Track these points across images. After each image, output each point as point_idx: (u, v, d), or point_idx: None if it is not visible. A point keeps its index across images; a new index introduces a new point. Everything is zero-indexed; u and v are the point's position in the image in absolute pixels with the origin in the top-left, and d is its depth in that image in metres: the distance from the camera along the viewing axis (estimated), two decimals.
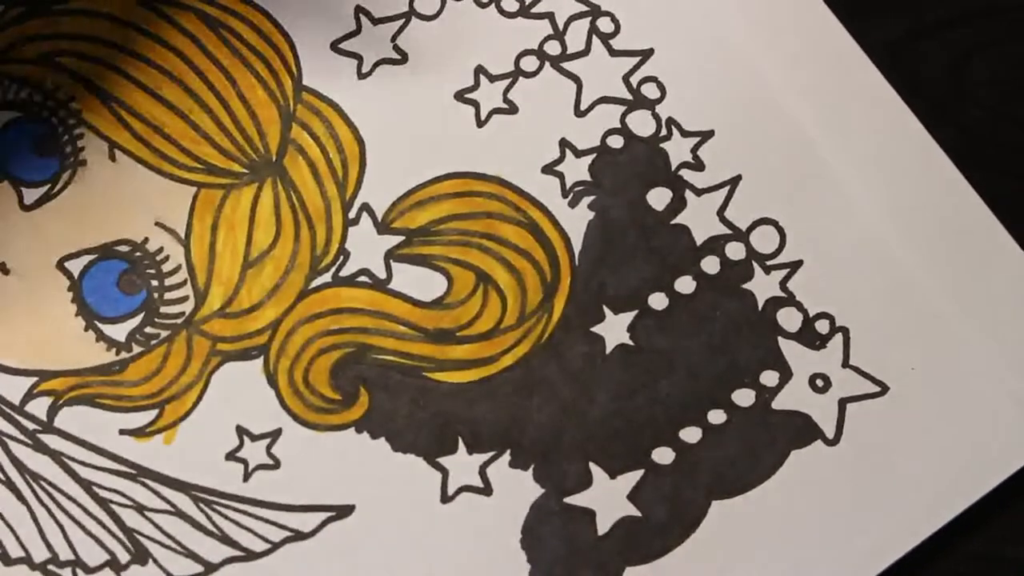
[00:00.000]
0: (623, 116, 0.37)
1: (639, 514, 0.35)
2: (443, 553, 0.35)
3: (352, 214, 0.36)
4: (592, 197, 0.37)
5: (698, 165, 0.37)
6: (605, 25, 0.37)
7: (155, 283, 0.35)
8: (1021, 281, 0.37)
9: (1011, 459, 0.36)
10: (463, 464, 0.36)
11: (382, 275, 0.36)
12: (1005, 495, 0.36)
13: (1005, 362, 0.36)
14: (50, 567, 0.34)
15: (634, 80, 0.37)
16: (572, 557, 0.35)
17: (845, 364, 0.36)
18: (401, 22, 0.37)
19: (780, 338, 0.36)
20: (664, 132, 0.37)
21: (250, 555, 0.35)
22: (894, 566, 0.35)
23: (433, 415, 0.36)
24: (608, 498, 0.35)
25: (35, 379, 0.35)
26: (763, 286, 0.37)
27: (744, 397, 0.36)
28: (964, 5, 0.39)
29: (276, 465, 0.35)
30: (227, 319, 0.36)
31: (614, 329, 0.36)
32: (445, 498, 0.35)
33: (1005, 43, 0.39)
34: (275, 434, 0.35)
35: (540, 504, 0.35)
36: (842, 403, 0.36)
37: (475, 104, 0.37)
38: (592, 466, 0.36)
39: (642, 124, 0.37)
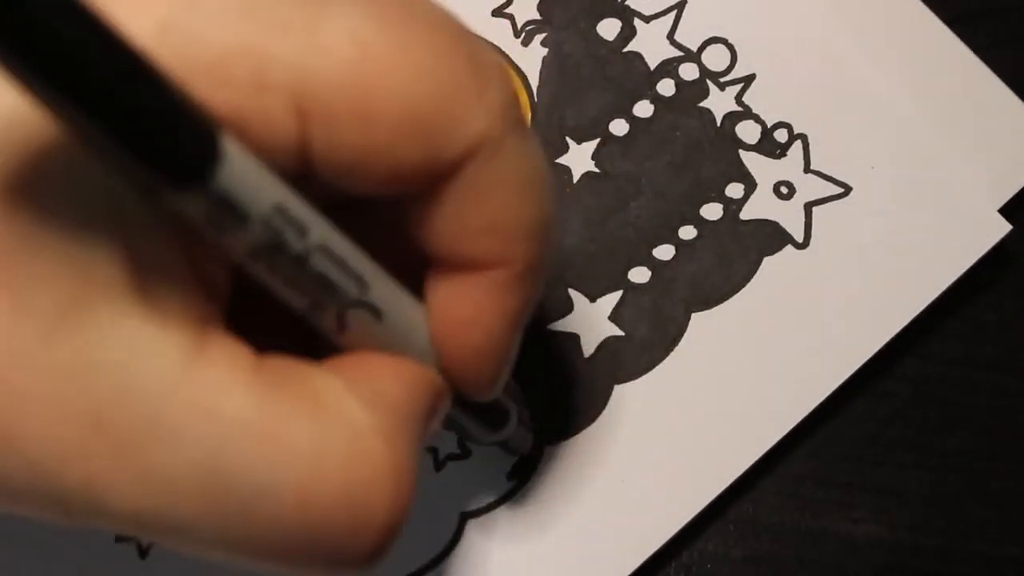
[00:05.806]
0: None
1: (622, 333, 0.36)
2: None
3: None
4: (544, 34, 0.38)
5: None
6: None
7: None
8: (966, 72, 0.37)
9: (977, 244, 0.37)
10: None
11: None
12: (1005, 496, 0.37)
13: (958, 151, 0.37)
14: None
15: None
16: (562, 380, 0.36)
17: (807, 170, 0.37)
18: None
19: (741, 151, 0.37)
20: None
21: None
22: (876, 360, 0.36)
23: None
24: (590, 321, 0.36)
25: None
26: (719, 103, 0.37)
27: (712, 211, 0.37)
28: (965, 5, 0.40)
29: None
30: None
31: (579, 158, 0.37)
32: None
33: (1006, 43, 0.40)
34: None
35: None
36: (808, 207, 0.37)
37: None
38: (572, 292, 0.36)
39: None
